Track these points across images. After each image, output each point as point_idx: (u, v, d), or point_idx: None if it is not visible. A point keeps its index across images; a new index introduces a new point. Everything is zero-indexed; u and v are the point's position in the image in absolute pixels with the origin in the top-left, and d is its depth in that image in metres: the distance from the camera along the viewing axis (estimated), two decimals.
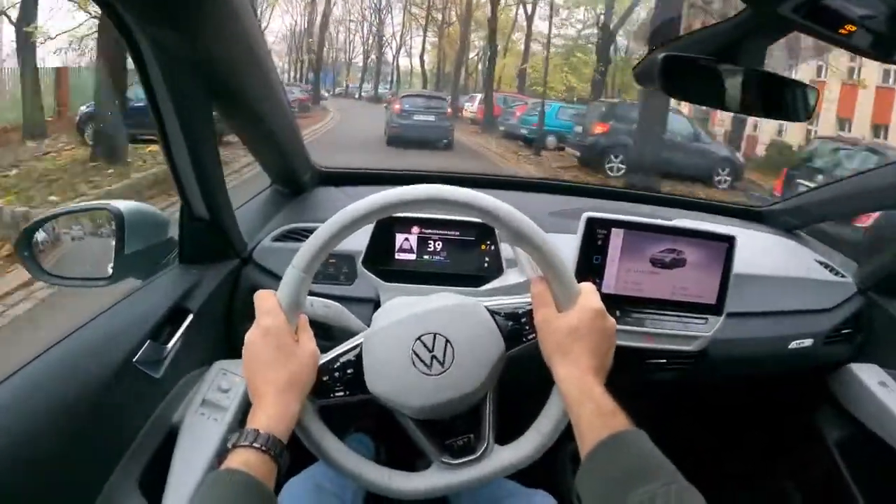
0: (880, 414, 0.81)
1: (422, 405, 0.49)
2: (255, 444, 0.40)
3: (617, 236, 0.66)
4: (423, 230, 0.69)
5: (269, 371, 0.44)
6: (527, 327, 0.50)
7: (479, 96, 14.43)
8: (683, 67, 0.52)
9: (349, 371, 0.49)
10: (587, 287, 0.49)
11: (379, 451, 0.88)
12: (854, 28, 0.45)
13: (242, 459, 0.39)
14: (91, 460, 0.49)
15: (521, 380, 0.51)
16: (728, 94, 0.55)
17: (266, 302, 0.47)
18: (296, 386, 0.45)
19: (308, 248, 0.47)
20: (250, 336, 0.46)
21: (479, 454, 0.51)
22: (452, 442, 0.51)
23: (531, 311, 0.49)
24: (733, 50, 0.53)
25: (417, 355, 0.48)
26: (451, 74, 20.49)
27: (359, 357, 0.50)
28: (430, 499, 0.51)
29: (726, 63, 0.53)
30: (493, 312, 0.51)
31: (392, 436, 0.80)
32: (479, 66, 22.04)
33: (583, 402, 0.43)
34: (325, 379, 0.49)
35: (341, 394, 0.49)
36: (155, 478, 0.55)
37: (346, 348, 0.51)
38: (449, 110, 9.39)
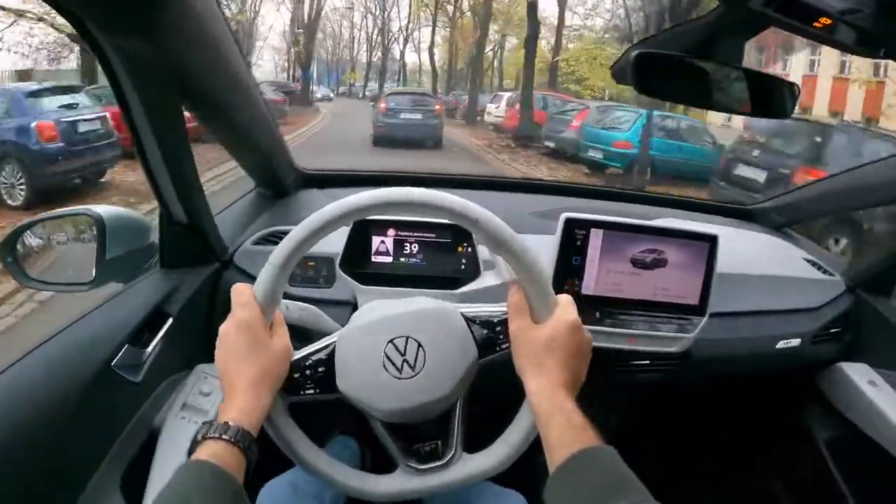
0: (870, 413, 0.81)
1: (390, 408, 0.48)
2: (224, 437, 0.40)
3: (596, 237, 0.66)
4: (399, 232, 0.69)
5: (241, 363, 0.44)
6: (501, 336, 0.50)
7: (506, 95, 10.83)
8: (657, 65, 0.52)
9: (320, 369, 0.49)
10: (564, 299, 0.48)
11: (364, 454, 0.88)
12: (829, 21, 0.44)
13: (211, 451, 0.39)
14: (72, 464, 0.50)
15: (493, 388, 0.51)
16: (706, 91, 0.54)
17: (242, 295, 0.47)
18: (268, 379, 0.45)
19: (284, 246, 0.47)
20: (224, 328, 0.46)
21: (445, 461, 0.51)
22: (420, 447, 0.51)
23: (506, 320, 0.49)
24: (710, 47, 0.53)
25: (389, 358, 0.48)
26: (465, 70, 18.20)
27: (331, 356, 0.49)
28: (402, 501, 0.51)
29: (703, 60, 0.52)
30: (468, 319, 0.51)
31: (375, 438, 0.80)
32: (495, 63, 20.17)
33: (553, 415, 0.43)
34: (296, 376, 0.49)
35: (311, 391, 0.49)
36: (136, 481, 0.55)
37: (319, 346, 0.50)
38: (437, 107, 8.60)
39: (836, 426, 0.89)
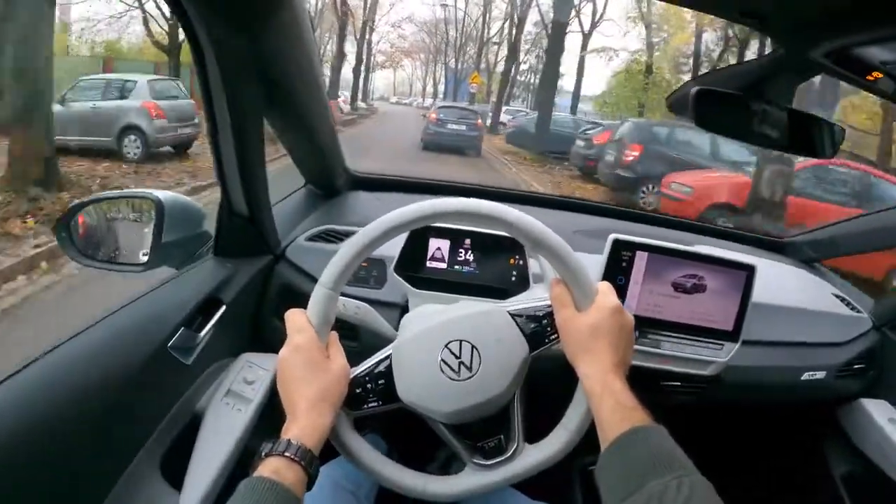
0: (888, 450, 0.82)
1: (452, 410, 0.50)
2: (286, 454, 0.42)
3: (641, 259, 0.68)
4: (455, 240, 0.71)
5: (301, 386, 0.46)
6: (548, 329, 0.52)
7: None
8: (715, 101, 0.55)
9: (381, 382, 0.51)
10: (604, 286, 0.51)
11: (391, 450, 0.88)
12: (881, 75, 0.48)
13: (273, 468, 0.41)
14: (117, 440, 0.51)
15: (546, 379, 0.53)
16: (756, 129, 0.57)
17: (296, 320, 0.49)
18: (327, 399, 0.47)
19: (334, 265, 0.49)
20: (283, 353, 0.48)
21: (510, 454, 0.53)
22: (484, 444, 0.53)
23: (551, 312, 0.51)
24: (763, 87, 0.56)
25: (446, 362, 0.50)
26: None
27: (389, 368, 0.52)
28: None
29: (756, 99, 0.56)
30: (514, 316, 0.53)
31: (404, 436, 0.81)
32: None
33: (604, 396, 0.45)
34: (357, 391, 0.51)
35: (374, 404, 0.51)
36: (176, 462, 0.56)
37: (376, 360, 0.53)
38: (478, 121, 9.94)
39: (853, 461, 0.89)
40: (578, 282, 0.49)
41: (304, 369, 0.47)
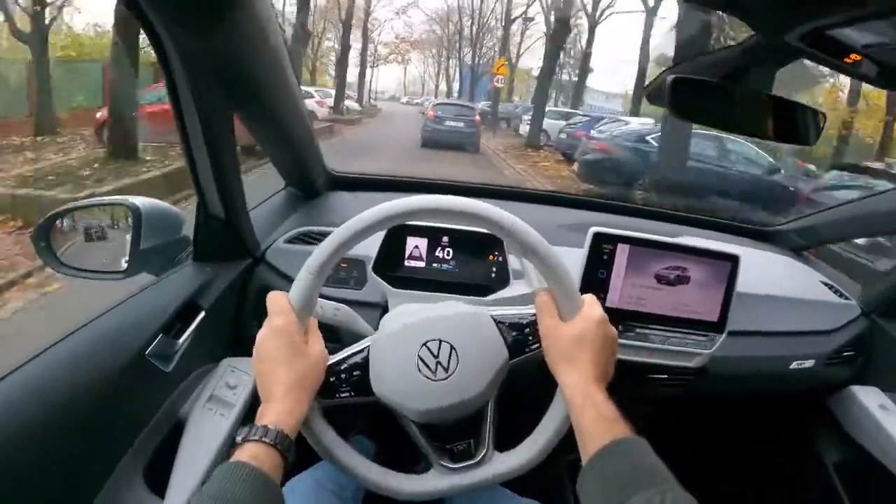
0: (880, 437, 0.82)
1: (425, 409, 0.50)
2: (264, 439, 0.41)
3: (623, 252, 0.67)
4: (433, 238, 0.70)
5: (279, 369, 0.45)
6: (530, 338, 0.51)
7: None
8: (692, 89, 0.54)
9: (355, 373, 0.51)
10: (590, 298, 0.50)
11: (379, 452, 0.88)
12: (858, 57, 0.47)
13: (251, 453, 0.40)
14: (99, 448, 0.50)
15: (523, 388, 0.52)
16: (735, 116, 0.56)
17: (277, 302, 0.48)
18: (305, 384, 0.46)
19: (321, 251, 0.48)
20: (261, 335, 0.47)
21: (478, 459, 0.52)
22: (453, 446, 0.52)
23: (535, 321, 0.51)
24: (742, 74, 0.55)
25: (423, 360, 0.50)
26: None
27: (366, 360, 0.51)
28: (427, 501, 0.52)
29: (735, 86, 0.55)
30: (497, 322, 0.52)
31: (391, 438, 0.80)
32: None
33: (586, 407, 0.44)
34: (331, 380, 0.50)
35: (346, 395, 0.50)
36: (160, 469, 0.56)
37: (353, 350, 0.52)
38: (476, 118, 10.01)
39: (845, 449, 0.89)
40: (565, 292, 0.49)
41: (283, 351, 0.46)
